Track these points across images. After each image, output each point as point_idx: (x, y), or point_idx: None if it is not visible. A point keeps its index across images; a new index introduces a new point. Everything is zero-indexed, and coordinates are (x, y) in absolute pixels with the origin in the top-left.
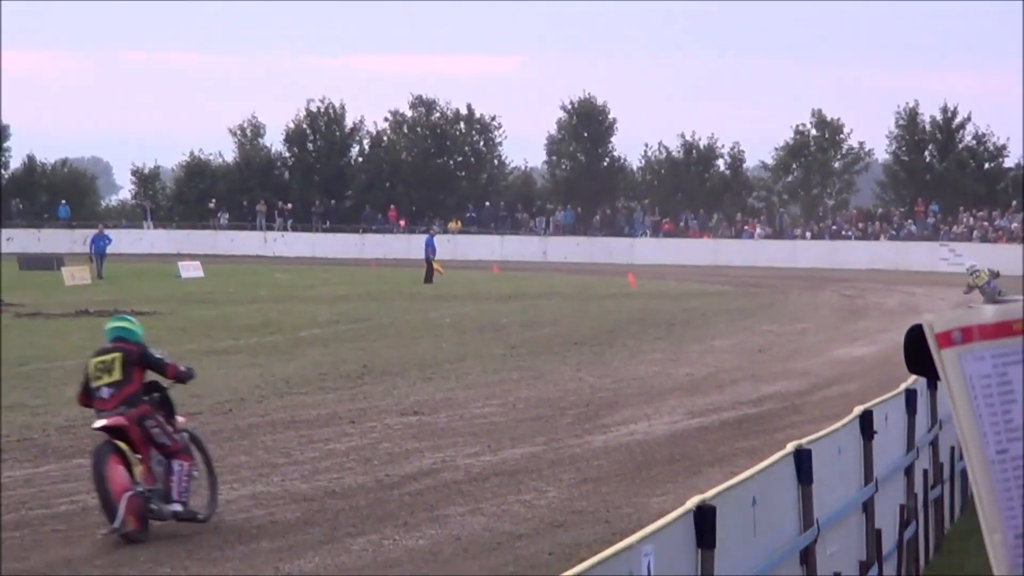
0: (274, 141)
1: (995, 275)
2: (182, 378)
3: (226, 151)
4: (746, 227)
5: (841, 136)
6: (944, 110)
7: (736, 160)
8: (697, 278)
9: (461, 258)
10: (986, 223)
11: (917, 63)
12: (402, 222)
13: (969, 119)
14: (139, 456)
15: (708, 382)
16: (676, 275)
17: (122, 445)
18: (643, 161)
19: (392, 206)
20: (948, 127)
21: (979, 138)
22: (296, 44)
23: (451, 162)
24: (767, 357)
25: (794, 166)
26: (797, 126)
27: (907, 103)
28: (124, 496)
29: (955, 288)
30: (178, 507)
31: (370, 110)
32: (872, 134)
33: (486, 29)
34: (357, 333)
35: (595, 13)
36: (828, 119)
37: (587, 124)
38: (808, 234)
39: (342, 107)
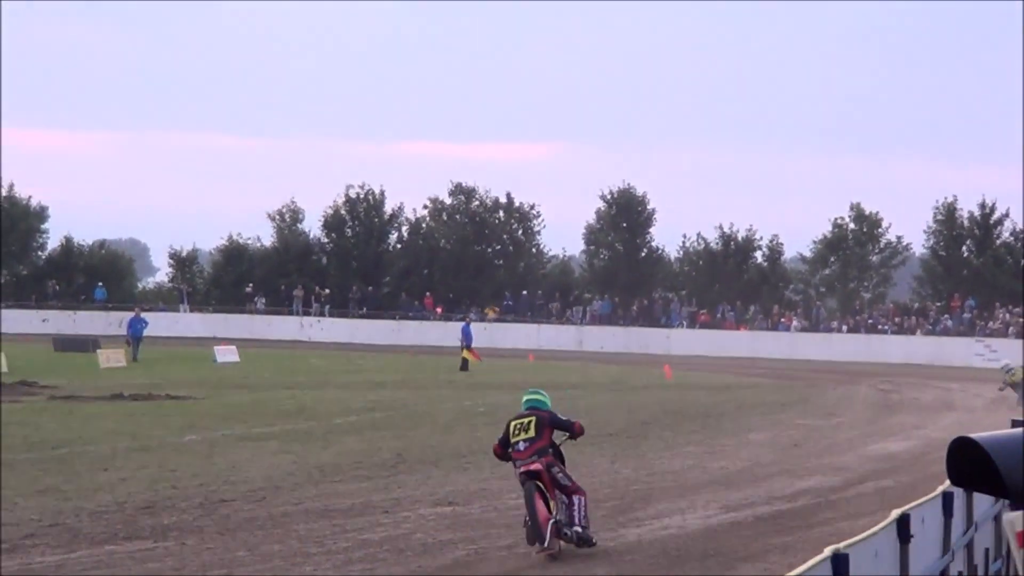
0: (312, 226)
1: None
2: (582, 434)
3: (264, 235)
4: (783, 319)
5: (879, 230)
6: (982, 205)
7: (774, 252)
8: (733, 370)
9: (498, 346)
10: (1022, 319)
11: (956, 157)
12: (439, 309)
13: (1007, 215)
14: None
15: (743, 476)
16: (712, 367)
17: (540, 485)
18: (681, 252)
19: (428, 293)
20: (986, 222)
21: (1017, 234)
22: (336, 129)
23: (489, 250)
24: (802, 451)
25: (832, 259)
26: (836, 219)
27: (945, 197)
28: (549, 523)
29: (990, 384)
30: (579, 530)
31: (409, 196)
32: (910, 228)
33: (526, 116)
34: (392, 421)
35: (635, 102)
36: (867, 213)
37: (626, 214)
38: (844, 327)
39: (382, 193)
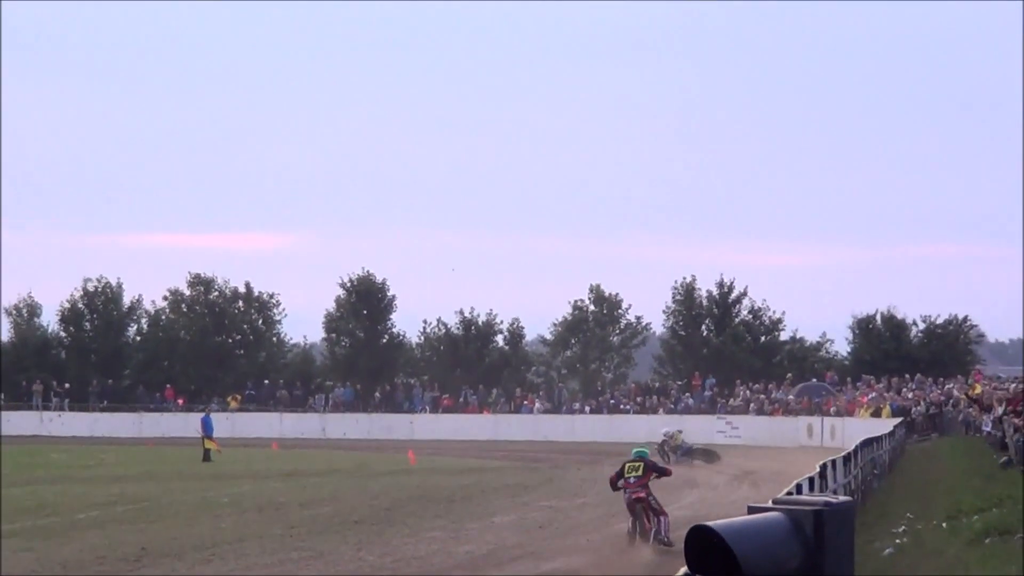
0: (50, 320)
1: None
2: (670, 475)
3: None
4: (525, 402)
5: (619, 311)
6: (720, 284)
7: (515, 336)
8: (477, 453)
9: (240, 435)
10: (762, 396)
11: (694, 238)
12: (180, 400)
13: (745, 293)
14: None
15: (488, 560)
16: (456, 451)
17: (642, 507)
18: (422, 337)
19: (168, 385)
20: (724, 301)
21: (755, 312)
22: (70, 222)
23: (229, 340)
24: (548, 533)
25: (572, 341)
26: (575, 301)
27: (684, 277)
28: (651, 532)
29: (734, 461)
30: (665, 539)
31: (148, 288)
32: (650, 308)
33: (262, 207)
34: (135, 514)
35: (370, 190)
36: (606, 294)
37: (366, 301)
38: (587, 408)
39: (119, 285)
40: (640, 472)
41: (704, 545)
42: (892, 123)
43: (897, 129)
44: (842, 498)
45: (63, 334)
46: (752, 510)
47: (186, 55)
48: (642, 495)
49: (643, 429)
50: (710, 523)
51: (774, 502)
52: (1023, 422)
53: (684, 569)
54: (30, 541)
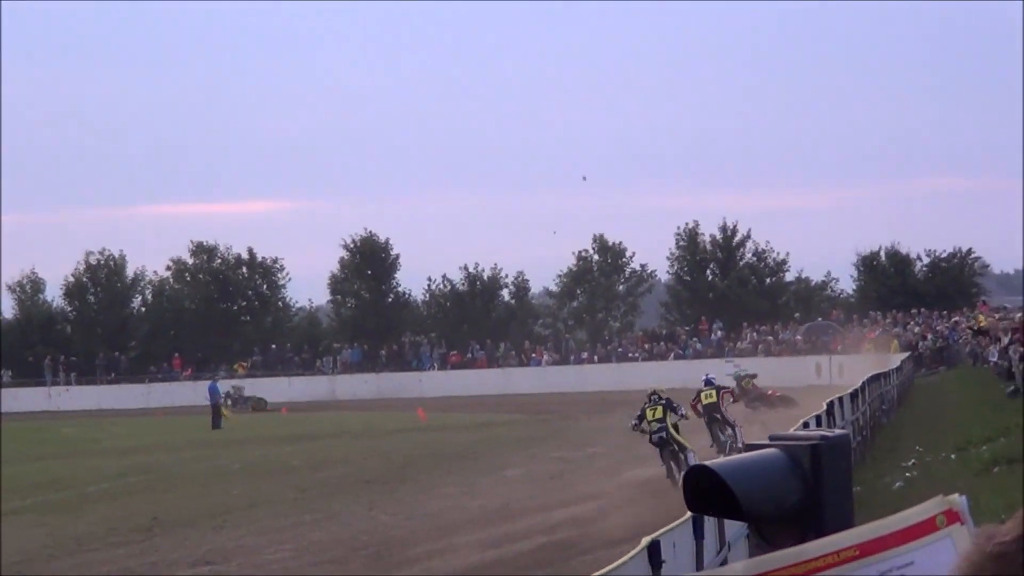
0: (54, 295)
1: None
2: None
3: (5, 308)
4: (533, 354)
5: (623, 260)
6: (723, 228)
7: (520, 289)
8: (487, 408)
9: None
10: (770, 337)
11: (694, 183)
12: (187, 371)
13: (749, 236)
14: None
15: (501, 513)
16: (466, 406)
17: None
18: (427, 295)
19: (176, 354)
20: (728, 245)
21: (759, 255)
22: (70, 196)
23: (235, 307)
24: (559, 484)
25: (578, 292)
26: (579, 252)
27: (687, 223)
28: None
29: (741, 404)
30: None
31: (151, 259)
32: (654, 256)
33: (261, 173)
34: (146, 485)
35: (368, 152)
36: (610, 243)
37: (370, 261)
38: (595, 358)
39: (122, 257)
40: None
41: (703, 485)
42: (888, 57)
43: (894, 62)
44: (838, 431)
45: (68, 308)
46: (749, 447)
47: (180, 21)
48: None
49: (652, 376)
50: (707, 462)
51: (771, 439)
52: None
53: (689, 513)
54: (43, 516)
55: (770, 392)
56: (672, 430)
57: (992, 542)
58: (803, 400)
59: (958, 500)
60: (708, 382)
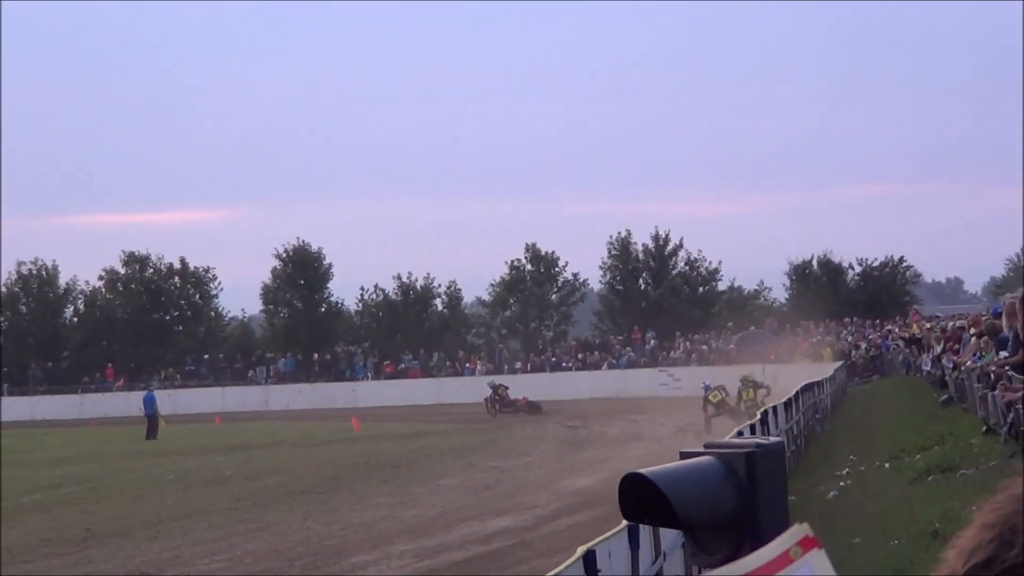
0: None
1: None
2: None
3: None
4: (467, 364)
5: (556, 269)
6: (655, 237)
7: (453, 298)
8: (421, 418)
9: (183, 412)
10: (703, 347)
11: (627, 192)
12: (120, 381)
13: (681, 245)
14: None
15: (436, 523)
16: (400, 416)
17: None
18: (360, 304)
19: (110, 364)
20: (660, 254)
21: (691, 263)
22: (1, 204)
23: (167, 317)
24: (494, 493)
25: (511, 301)
26: (512, 261)
27: (619, 232)
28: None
29: (676, 412)
30: None
31: (83, 269)
32: (586, 265)
33: (192, 182)
34: (80, 495)
35: (300, 160)
36: (542, 252)
37: (302, 271)
38: (529, 367)
39: (55, 267)
40: None
41: (638, 493)
42: (817, 63)
43: (822, 68)
44: (773, 439)
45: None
46: (684, 455)
47: (111, 29)
48: None
49: (585, 385)
50: (642, 470)
51: (706, 447)
52: (961, 359)
53: (625, 522)
54: None
55: (519, 399)
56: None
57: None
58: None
59: (808, 527)
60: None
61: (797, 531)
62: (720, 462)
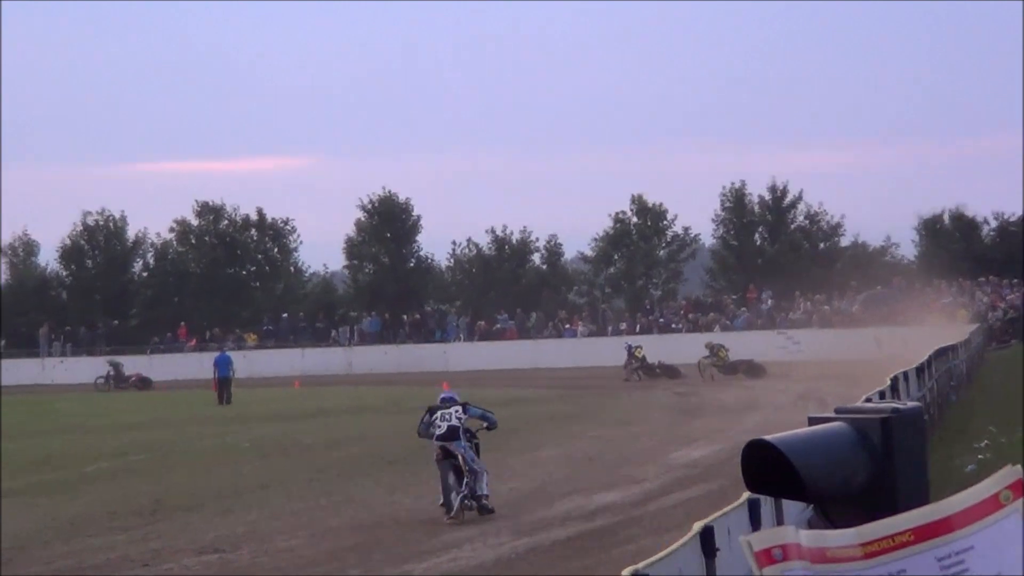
0: (49, 259)
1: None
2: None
3: None
4: (568, 325)
5: (664, 222)
6: (772, 189)
7: (553, 253)
8: (517, 383)
9: (259, 375)
10: (825, 307)
11: (741, 140)
12: (192, 341)
13: (800, 198)
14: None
15: (535, 497)
16: (494, 381)
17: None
18: (451, 260)
19: (182, 323)
20: (778, 207)
21: (812, 217)
22: (67, 152)
23: (243, 272)
24: (598, 465)
25: (616, 257)
26: (616, 214)
27: (732, 183)
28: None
29: (795, 380)
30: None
31: (153, 220)
32: (698, 218)
33: (270, 129)
34: (148, 464)
35: (385, 108)
36: (650, 204)
37: (389, 223)
38: (636, 328)
39: (123, 218)
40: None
41: (761, 462)
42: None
43: (953, 14)
44: (911, 403)
45: (63, 273)
46: (813, 421)
47: None
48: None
49: (696, 348)
50: (767, 437)
51: (837, 412)
52: None
53: (747, 493)
54: (35, 497)
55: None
56: None
57: None
58: (859, 373)
59: (1020, 469)
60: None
61: (1010, 472)
62: (853, 428)
